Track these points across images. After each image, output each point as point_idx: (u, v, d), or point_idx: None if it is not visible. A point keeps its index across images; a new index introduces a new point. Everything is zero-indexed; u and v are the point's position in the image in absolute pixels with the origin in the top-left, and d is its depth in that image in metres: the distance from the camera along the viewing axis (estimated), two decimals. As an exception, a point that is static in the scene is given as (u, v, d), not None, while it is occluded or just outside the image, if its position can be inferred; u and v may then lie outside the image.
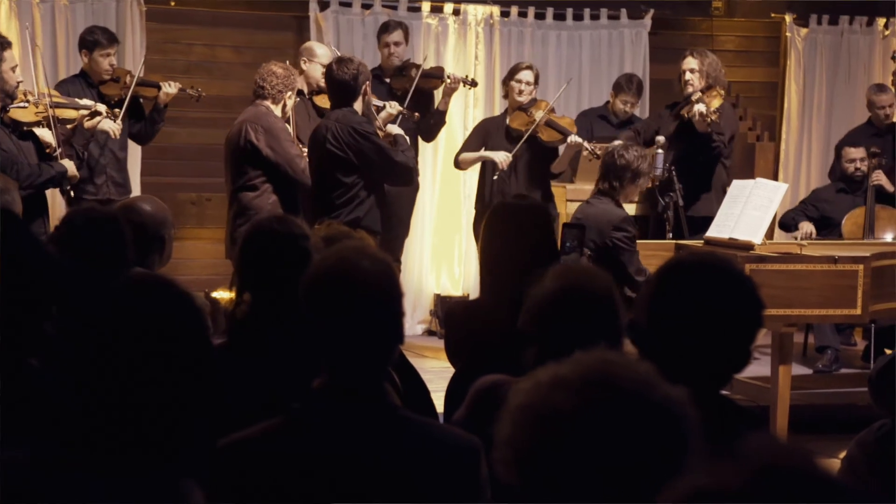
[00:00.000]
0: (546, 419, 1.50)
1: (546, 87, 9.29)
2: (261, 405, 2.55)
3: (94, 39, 7.34)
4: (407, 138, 6.96)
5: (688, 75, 7.65)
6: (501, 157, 7.52)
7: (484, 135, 7.74)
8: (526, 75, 7.64)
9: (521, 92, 7.61)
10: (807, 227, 8.13)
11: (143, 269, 4.00)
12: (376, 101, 7.20)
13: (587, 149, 7.50)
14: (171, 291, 1.94)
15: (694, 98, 7.59)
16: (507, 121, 7.70)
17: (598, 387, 1.51)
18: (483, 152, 7.66)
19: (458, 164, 7.89)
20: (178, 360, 1.85)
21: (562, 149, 7.68)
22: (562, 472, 1.49)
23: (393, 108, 7.43)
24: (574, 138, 7.52)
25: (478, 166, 7.94)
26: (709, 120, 7.41)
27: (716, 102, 7.57)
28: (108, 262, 3.68)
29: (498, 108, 9.02)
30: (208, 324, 2.00)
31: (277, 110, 6.85)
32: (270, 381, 2.90)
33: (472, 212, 9.16)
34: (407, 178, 6.78)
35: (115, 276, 2.03)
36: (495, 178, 7.53)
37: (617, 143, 6.83)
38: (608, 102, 8.75)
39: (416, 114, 7.72)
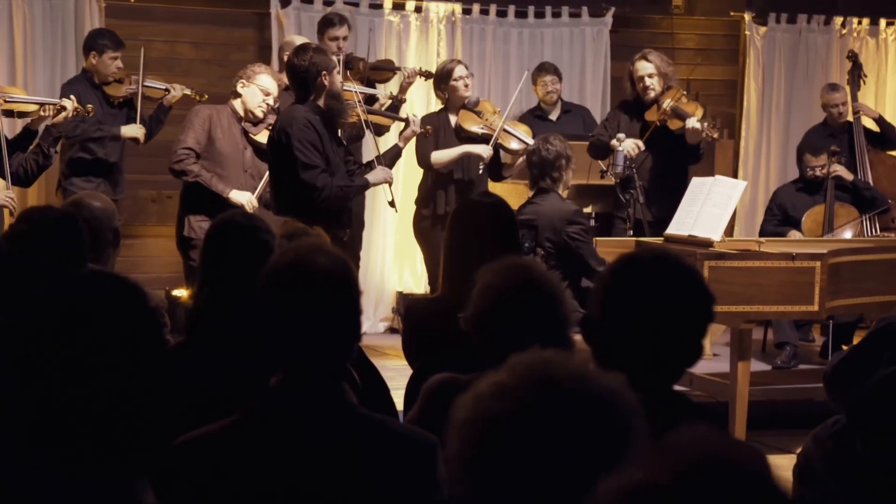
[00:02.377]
0: (490, 428, 1.51)
1: (508, 84, 9.33)
2: (220, 400, 2.55)
3: (104, 43, 7.48)
4: (379, 172, 6.53)
5: (647, 80, 7.63)
6: (487, 151, 7.40)
7: (434, 136, 7.52)
8: (461, 70, 7.54)
9: (466, 86, 7.53)
10: (795, 235, 8.16)
11: (95, 266, 3.98)
12: (364, 90, 7.06)
13: None
14: (124, 288, 1.93)
15: (665, 105, 7.57)
16: (456, 120, 7.56)
17: (537, 388, 1.51)
18: (466, 148, 7.43)
19: (432, 166, 7.50)
20: (130, 357, 1.84)
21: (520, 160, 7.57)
22: (512, 479, 1.49)
23: (384, 97, 7.42)
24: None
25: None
26: (705, 135, 7.45)
27: (699, 111, 7.59)
28: (66, 259, 3.66)
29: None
30: (163, 321, 1.99)
31: (238, 105, 6.84)
32: (230, 376, 2.90)
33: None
34: (306, 194, 5.99)
35: (66, 273, 2.02)
36: (480, 172, 7.47)
37: (531, 141, 6.84)
38: (539, 102, 8.77)
39: (404, 98, 7.68)
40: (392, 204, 6.76)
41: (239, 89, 7.08)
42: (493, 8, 9.46)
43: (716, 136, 7.55)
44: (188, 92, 7.60)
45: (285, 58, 7.39)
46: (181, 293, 7.05)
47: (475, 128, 7.53)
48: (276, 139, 6.08)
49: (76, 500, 1.82)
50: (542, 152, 6.41)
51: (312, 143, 5.96)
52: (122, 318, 1.87)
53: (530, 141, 7.56)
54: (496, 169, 7.65)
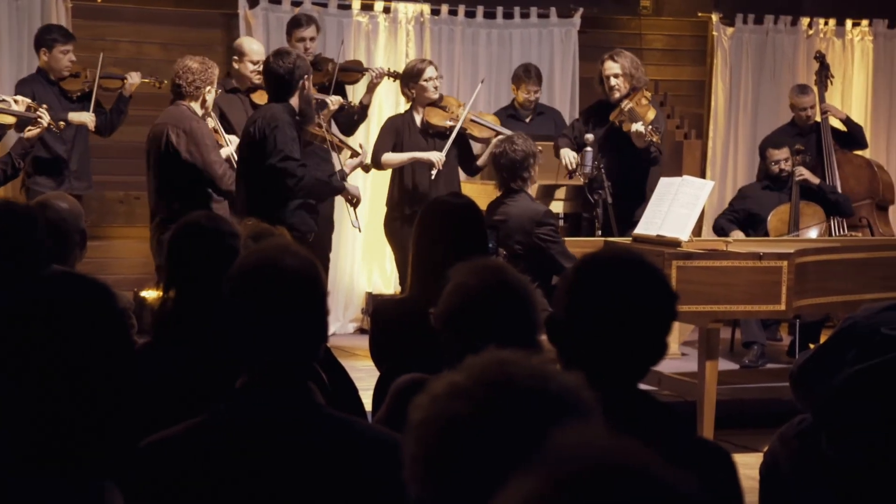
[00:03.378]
0: (448, 429, 1.51)
1: (476, 84, 9.32)
2: (186, 401, 2.54)
3: (52, 37, 7.39)
4: (341, 180, 6.71)
5: (612, 81, 7.66)
6: (437, 157, 7.39)
7: (394, 134, 7.55)
8: (432, 71, 7.55)
9: (435, 88, 7.55)
10: (737, 235, 8.20)
11: (62, 267, 3.96)
12: (317, 96, 7.11)
13: None
14: (93, 289, 1.93)
15: (624, 107, 7.61)
16: (421, 119, 7.57)
17: (493, 388, 1.52)
18: (415, 153, 7.45)
19: (381, 166, 7.55)
20: (97, 358, 1.84)
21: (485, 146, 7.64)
22: (469, 479, 1.50)
23: (334, 102, 7.40)
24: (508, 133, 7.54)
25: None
26: (648, 139, 7.46)
27: (650, 114, 7.60)
28: (25, 259, 3.63)
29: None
30: (131, 322, 1.99)
31: (197, 107, 6.75)
32: (196, 377, 2.89)
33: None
34: (281, 182, 6.25)
35: (32, 274, 2.02)
36: (432, 177, 7.45)
37: (496, 140, 6.86)
38: (514, 100, 8.79)
39: (358, 103, 7.69)
40: (355, 225, 7.06)
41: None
42: (461, 9, 9.47)
43: (656, 139, 7.52)
44: (147, 80, 7.54)
45: (233, 60, 7.43)
46: (149, 294, 7.02)
47: (442, 122, 7.55)
48: (256, 136, 6.16)
49: (42, 502, 1.82)
50: (510, 154, 6.42)
51: (294, 139, 6.19)
52: (92, 319, 1.87)
53: (499, 128, 7.61)
54: (468, 162, 7.67)
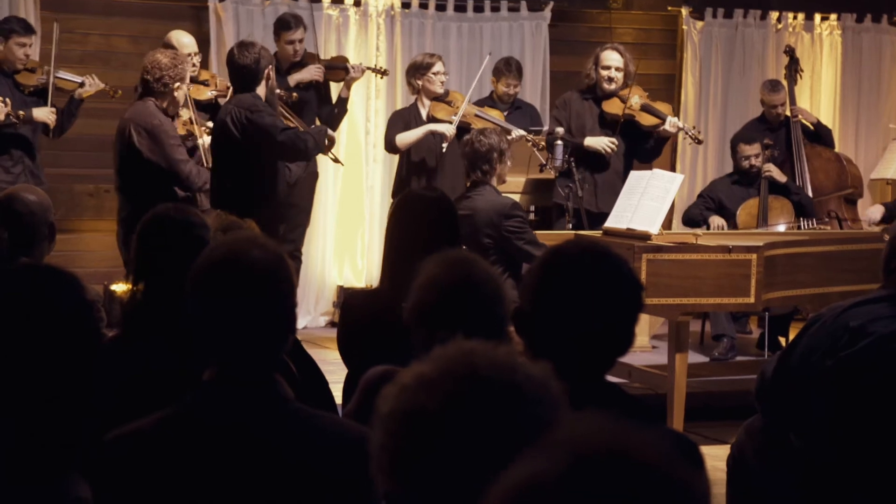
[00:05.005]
0: (415, 421, 1.51)
1: (449, 77, 9.33)
2: (156, 394, 2.53)
3: (10, 28, 7.31)
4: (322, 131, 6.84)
5: (614, 73, 7.71)
6: (449, 129, 7.53)
7: (403, 125, 7.70)
8: (441, 66, 7.74)
9: (441, 83, 7.69)
10: (717, 220, 8.24)
11: (29, 259, 3.94)
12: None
13: (528, 140, 7.63)
14: (59, 280, 1.92)
15: (631, 102, 7.65)
16: (427, 112, 7.69)
17: (460, 379, 1.52)
18: (429, 126, 7.60)
19: (397, 148, 7.67)
20: (64, 349, 1.83)
21: None
22: (436, 471, 1.50)
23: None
24: (518, 132, 7.58)
25: (394, 159, 7.96)
26: (691, 136, 7.61)
27: (668, 108, 7.74)
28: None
29: (400, 99, 9.04)
30: (100, 315, 1.98)
31: (165, 104, 6.63)
32: (165, 370, 2.88)
33: (377, 202, 9.19)
34: (291, 157, 6.70)
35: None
36: (444, 149, 7.52)
37: (474, 131, 6.90)
38: (492, 92, 8.81)
39: (295, 94, 7.69)
40: (336, 160, 7.32)
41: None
42: (432, 2, 9.47)
43: (701, 138, 7.68)
44: (103, 86, 7.45)
45: (159, 53, 7.24)
46: (119, 287, 6.99)
47: (447, 116, 7.68)
48: (235, 128, 6.18)
49: (9, 499, 1.81)
50: (475, 144, 6.42)
51: (274, 116, 6.37)
52: (59, 311, 1.86)
53: (503, 123, 7.67)
54: None
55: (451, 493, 1.50)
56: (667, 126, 7.58)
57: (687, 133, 7.64)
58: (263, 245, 2.31)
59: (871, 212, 8.67)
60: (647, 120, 7.64)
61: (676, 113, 10.10)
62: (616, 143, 7.61)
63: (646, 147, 7.78)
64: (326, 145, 6.90)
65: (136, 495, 2.17)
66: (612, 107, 7.71)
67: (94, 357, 1.84)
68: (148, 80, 6.59)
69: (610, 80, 7.70)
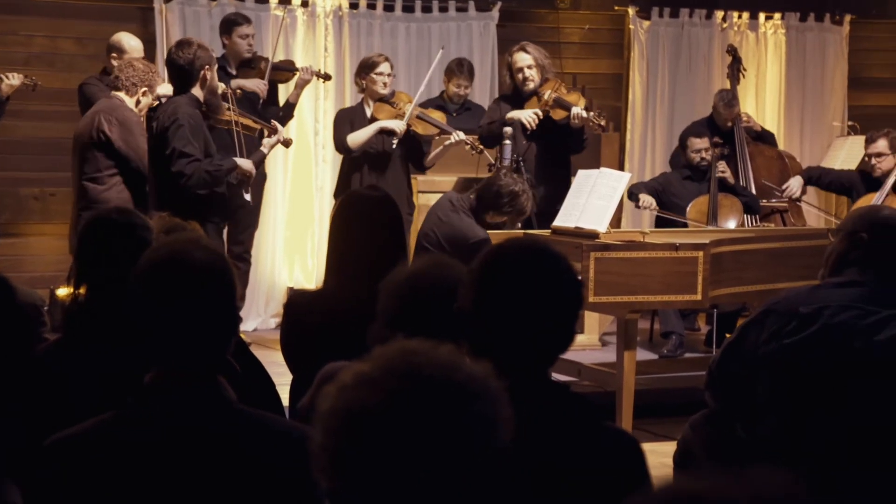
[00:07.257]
0: (355, 419, 1.51)
1: (396, 79, 9.33)
2: (98, 398, 2.52)
3: None
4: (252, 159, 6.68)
5: (527, 72, 7.73)
6: (399, 125, 7.53)
7: (349, 124, 7.68)
8: (386, 67, 7.70)
9: (384, 84, 7.67)
10: (647, 199, 8.28)
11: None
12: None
13: (467, 143, 7.59)
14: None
15: (545, 96, 7.66)
16: (371, 113, 7.68)
17: (401, 378, 1.52)
18: (380, 123, 7.58)
19: (350, 150, 7.62)
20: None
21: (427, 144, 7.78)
22: (375, 469, 1.50)
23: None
24: (458, 135, 7.58)
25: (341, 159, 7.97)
26: (592, 123, 7.55)
27: (582, 100, 7.71)
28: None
29: (349, 100, 9.03)
30: (41, 319, 1.97)
31: (131, 103, 6.65)
32: (107, 373, 2.86)
33: (326, 203, 9.17)
34: (178, 183, 6.12)
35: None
36: (394, 146, 7.54)
37: (503, 174, 6.95)
38: (443, 92, 8.83)
39: (239, 91, 7.65)
40: (247, 198, 6.95)
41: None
42: (380, 2, 9.47)
43: (603, 123, 7.64)
44: (18, 84, 7.35)
45: (112, 58, 7.26)
46: (64, 292, 6.93)
47: (389, 118, 7.66)
48: (161, 132, 6.09)
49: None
50: (500, 185, 6.73)
51: (194, 133, 6.11)
52: None
53: (445, 126, 7.68)
54: (417, 158, 7.74)
55: (390, 491, 1.50)
56: (571, 117, 7.57)
57: (591, 121, 7.60)
58: (205, 246, 2.31)
59: (792, 185, 8.73)
60: (558, 115, 7.66)
61: (624, 112, 10.17)
62: (539, 114, 7.61)
63: (567, 142, 7.77)
64: (247, 180, 6.73)
65: (77, 500, 2.15)
66: (532, 106, 7.74)
67: (24, 362, 1.83)
68: (119, 77, 6.66)
69: (526, 80, 7.72)
